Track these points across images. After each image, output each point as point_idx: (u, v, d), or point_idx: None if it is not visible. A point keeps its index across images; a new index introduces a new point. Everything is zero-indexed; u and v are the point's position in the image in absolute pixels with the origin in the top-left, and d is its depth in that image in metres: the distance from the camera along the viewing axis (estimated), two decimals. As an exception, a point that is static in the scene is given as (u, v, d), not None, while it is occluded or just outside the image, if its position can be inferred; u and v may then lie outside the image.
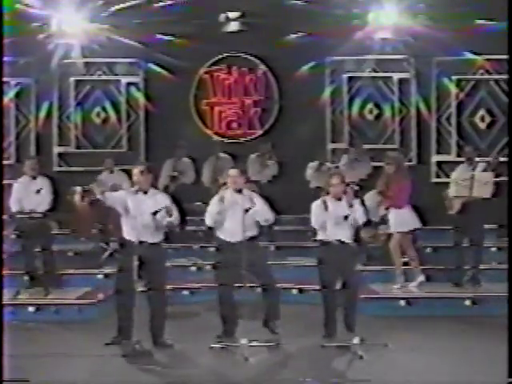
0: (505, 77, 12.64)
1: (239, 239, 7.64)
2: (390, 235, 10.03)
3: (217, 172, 12.20)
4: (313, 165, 12.09)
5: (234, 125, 13.58)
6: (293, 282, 10.14)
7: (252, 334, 7.47)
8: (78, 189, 10.85)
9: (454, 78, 13.02)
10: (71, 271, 10.56)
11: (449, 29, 11.81)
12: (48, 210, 9.89)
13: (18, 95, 13.39)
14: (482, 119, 13.07)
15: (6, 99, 12.94)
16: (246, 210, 7.65)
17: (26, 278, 9.99)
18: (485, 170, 9.99)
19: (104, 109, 13.53)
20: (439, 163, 13.11)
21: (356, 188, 7.99)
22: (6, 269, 9.75)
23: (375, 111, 13.34)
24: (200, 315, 9.34)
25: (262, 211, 7.82)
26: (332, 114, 13.40)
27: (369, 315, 8.29)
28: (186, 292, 10.22)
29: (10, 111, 13.26)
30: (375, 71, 13.31)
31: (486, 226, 10.27)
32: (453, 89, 13.05)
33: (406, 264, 10.23)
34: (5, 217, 10.08)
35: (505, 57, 11.79)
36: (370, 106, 13.33)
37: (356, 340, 7.39)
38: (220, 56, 13.45)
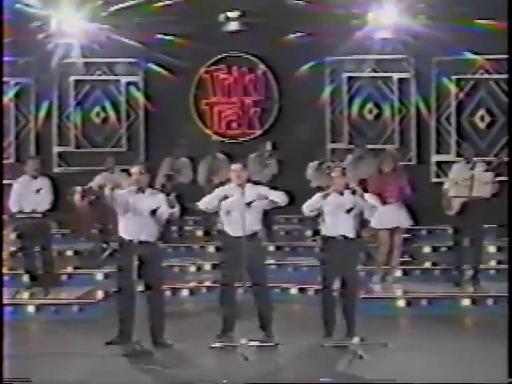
0: (505, 77, 12.63)
1: (243, 234, 7.62)
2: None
3: (212, 172, 12.21)
4: (313, 164, 12.09)
5: (234, 125, 13.59)
6: (293, 282, 10.15)
7: (252, 334, 7.48)
8: (78, 189, 10.89)
9: (453, 77, 13.01)
10: (71, 271, 10.57)
11: (449, 29, 11.81)
12: (48, 210, 9.89)
13: (17, 95, 13.39)
14: (482, 119, 13.07)
15: (5, 99, 12.94)
16: (248, 204, 7.65)
17: (26, 277, 9.99)
18: (487, 170, 9.95)
19: (104, 108, 13.53)
20: (439, 163, 13.10)
21: (357, 188, 7.95)
22: (6, 269, 9.81)
23: (375, 111, 13.34)
24: (200, 315, 9.34)
25: (275, 194, 7.78)
26: (332, 113, 13.40)
27: (369, 315, 8.28)
28: (185, 292, 10.21)
29: (10, 111, 13.26)
30: (375, 71, 13.31)
31: (486, 226, 10.26)
32: (452, 89, 13.05)
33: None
34: (5, 217, 10.09)
35: (505, 56, 11.80)
36: (369, 105, 13.33)
37: (356, 340, 7.39)
38: (220, 56, 13.45)
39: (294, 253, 11.33)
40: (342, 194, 7.78)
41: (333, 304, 7.74)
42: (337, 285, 7.80)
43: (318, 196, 7.82)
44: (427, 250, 11.18)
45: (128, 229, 7.53)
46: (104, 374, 6.80)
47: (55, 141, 13.47)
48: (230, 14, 12.97)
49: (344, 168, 8.09)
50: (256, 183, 8.22)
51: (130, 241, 7.49)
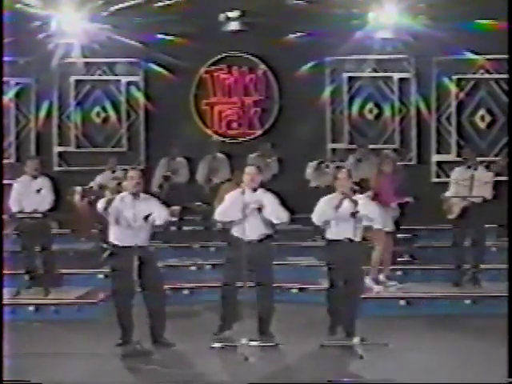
0: (505, 76, 12.65)
1: (253, 237, 7.61)
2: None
3: (211, 172, 12.21)
4: (312, 164, 12.10)
5: (234, 124, 13.59)
6: (293, 281, 10.15)
7: (252, 334, 7.48)
8: (78, 188, 10.90)
9: (454, 77, 13.02)
10: (71, 271, 10.56)
11: (449, 29, 11.80)
12: (48, 210, 9.89)
13: (17, 95, 13.40)
14: (482, 119, 13.07)
15: (5, 99, 12.96)
16: (259, 209, 7.62)
17: (26, 277, 9.99)
18: (489, 171, 9.93)
19: (104, 108, 13.54)
20: (439, 163, 13.11)
21: (356, 188, 7.93)
22: (6, 269, 9.80)
23: (375, 111, 13.35)
24: (200, 315, 9.34)
25: (272, 210, 7.69)
26: (332, 113, 13.40)
27: (369, 315, 8.28)
28: (186, 292, 10.21)
29: (10, 111, 13.27)
30: (375, 71, 13.31)
31: (486, 226, 10.26)
32: (453, 88, 13.05)
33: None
34: (5, 217, 10.09)
35: (505, 56, 11.82)
36: (370, 105, 13.33)
37: (356, 340, 7.39)
38: (220, 56, 13.46)
39: (294, 253, 11.31)
40: (347, 196, 7.68)
41: (339, 306, 7.70)
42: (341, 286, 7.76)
43: (329, 208, 7.67)
44: (427, 250, 11.16)
45: (122, 235, 7.44)
46: (104, 374, 6.80)
47: (55, 141, 13.48)
48: (230, 14, 12.97)
49: (349, 170, 8.04)
50: (268, 189, 8.10)
51: (127, 246, 7.43)
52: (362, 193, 8.22)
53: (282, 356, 7.44)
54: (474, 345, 7.70)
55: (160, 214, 7.52)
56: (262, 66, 13.45)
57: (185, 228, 12.08)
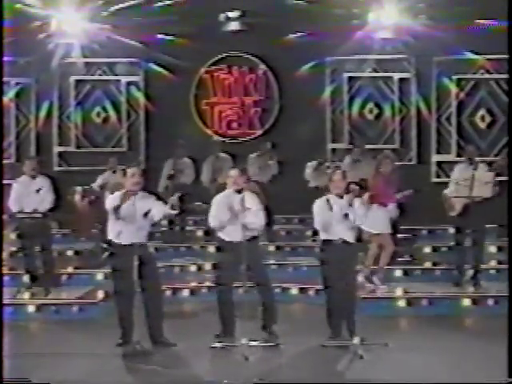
0: (505, 76, 12.64)
1: (239, 239, 7.62)
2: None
3: (216, 172, 12.21)
4: (312, 164, 12.10)
5: (234, 125, 13.59)
6: (293, 281, 10.15)
7: (252, 334, 7.48)
8: (79, 188, 10.91)
9: (454, 77, 13.01)
10: (71, 271, 10.57)
11: (449, 29, 11.80)
12: (48, 210, 9.89)
13: (18, 95, 13.42)
14: (483, 119, 13.07)
15: (5, 99, 12.96)
16: (245, 209, 7.63)
17: (26, 277, 9.99)
18: (489, 170, 9.91)
19: (104, 108, 13.55)
20: (439, 163, 13.10)
21: (356, 188, 7.93)
22: (6, 269, 9.81)
23: (375, 111, 13.34)
24: (200, 315, 9.34)
25: (252, 215, 7.67)
26: (332, 113, 13.40)
27: (369, 315, 8.28)
28: (186, 292, 10.21)
29: (11, 111, 13.29)
30: (375, 71, 13.31)
31: (487, 226, 10.26)
32: (453, 88, 13.05)
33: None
34: (5, 217, 10.09)
35: (505, 56, 11.81)
36: (370, 105, 13.33)
37: (356, 340, 7.38)
38: (220, 56, 13.46)
39: (294, 253, 11.32)
40: (341, 197, 7.74)
41: (337, 306, 7.70)
42: (337, 287, 7.76)
43: (322, 211, 7.69)
44: (427, 250, 11.17)
45: (122, 233, 7.43)
46: (104, 374, 6.80)
47: (56, 141, 13.49)
48: (230, 14, 12.98)
49: (344, 171, 8.05)
50: (254, 192, 8.12)
51: (127, 244, 7.44)
52: (361, 193, 8.19)
53: (282, 356, 7.44)
54: (473, 345, 7.69)
55: (158, 210, 7.49)
56: (262, 66, 13.45)
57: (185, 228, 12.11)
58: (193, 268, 10.93)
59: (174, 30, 12.83)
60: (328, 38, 12.32)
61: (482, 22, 12.22)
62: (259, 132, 13.50)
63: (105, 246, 9.85)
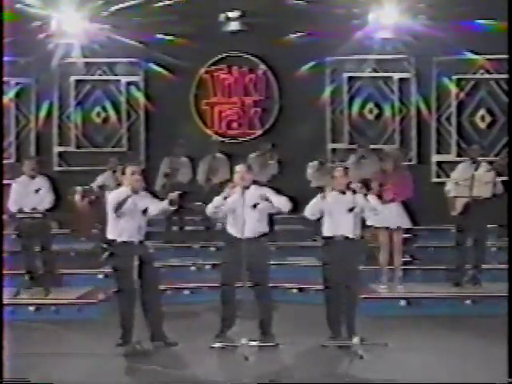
0: (505, 76, 12.65)
1: (248, 235, 7.60)
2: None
3: (211, 171, 12.21)
4: (313, 164, 12.11)
5: (234, 124, 13.60)
6: (293, 281, 10.15)
7: (252, 334, 7.48)
8: (79, 189, 10.90)
9: (454, 77, 13.03)
10: (71, 271, 10.56)
11: (449, 29, 11.81)
12: (48, 210, 9.89)
13: (18, 95, 13.42)
14: (483, 119, 13.08)
15: (5, 99, 12.95)
16: (254, 206, 7.63)
17: (26, 277, 9.98)
18: (490, 170, 9.90)
19: (104, 108, 13.55)
20: (439, 163, 13.11)
21: (359, 186, 7.91)
22: (6, 269, 9.80)
23: (375, 111, 13.36)
24: (200, 315, 9.34)
25: (275, 201, 7.66)
26: (332, 113, 13.41)
27: (369, 315, 8.28)
28: (186, 292, 10.21)
29: (11, 111, 13.29)
30: (375, 71, 13.32)
31: (489, 226, 10.26)
32: (453, 88, 13.06)
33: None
34: (5, 217, 10.09)
35: (505, 56, 11.81)
36: (370, 105, 13.34)
37: (356, 340, 7.38)
38: (220, 56, 13.46)
39: (294, 253, 11.31)
40: (343, 193, 7.73)
41: (338, 305, 7.69)
42: (339, 285, 7.74)
43: (317, 198, 7.78)
44: (427, 250, 11.16)
45: (123, 231, 7.45)
46: (104, 374, 6.80)
47: (56, 141, 13.49)
48: (230, 14, 12.98)
49: (346, 168, 8.05)
50: (262, 185, 8.11)
51: (128, 242, 7.45)
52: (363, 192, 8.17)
53: (282, 356, 7.44)
54: (474, 345, 7.70)
55: (156, 205, 7.51)
56: (262, 66, 13.46)
57: (185, 228, 12.11)
58: (193, 268, 10.93)
59: (174, 30, 12.83)
60: (328, 38, 12.32)
61: (481, 21, 12.23)
62: (259, 132, 13.51)
63: (105, 245, 9.88)
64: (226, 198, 7.67)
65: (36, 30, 12.50)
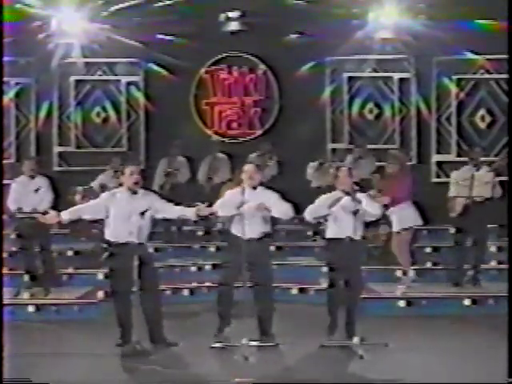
0: (505, 76, 12.65)
1: (252, 236, 7.60)
2: (390, 235, 10.02)
3: (211, 171, 12.22)
4: (313, 165, 12.10)
5: (234, 124, 13.59)
6: (293, 281, 10.15)
7: (252, 334, 7.48)
8: (79, 188, 10.90)
9: (454, 77, 13.02)
10: (71, 271, 10.56)
11: (449, 29, 11.81)
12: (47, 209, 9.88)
13: (17, 95, 13.40)
14: (483, 119, 13.07)
15: (5, 99, 12.95)
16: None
17: (26, 277, 9.98)
18: (490, 171, 9.91)
19: (104, 108, 13.54)
20: (439, 163, 13.11)
21: (356, 188, 7.90)
22: (6, 269, 9.80)
23: (375, 111, 13.35)
24: (200, 315, 9.34)
25: (277, 208, 7.66)
26: (332, 113, 13.41)
27: (369, 315, 8.28)
28: (186, 292, 10.21)
29: (10, 111, 13.27)
30: (375, 71, 13.32)
31: (488, 226, 10.26)
32: (453, 88, 13.05)
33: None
34: (5, 217, 10.09)
35: (505, 56, 11.81)
36: (370, 105, 13.33)
37: (356, 340, 7.38)
38: (220, 56, 13.45)
39: (294, 253, 11.31)
40: (348, 194, 7.70)
41: (339, 305, 7.69)
42: (341, 286, 7.74)
43: (323, 205, 7.68)
44: (427, 250, 11.16)
45: (119, 232, 7.43)
46: (104, 374, 6.79)
47: (56, 141, 13.48)
48: (230, 14, 12.97)
49: (350, 168, 8.02)
50: (268, 187, 8.09)
51: (124, 243, 7.43)
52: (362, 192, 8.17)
53: (282, 356, 7.44)
54: (473, 345, 7.69)
55: (163, 208, 7.54)
56: (262, 66, 13.45)
57: (185, 228, 12.09)
58: (193, 268, 10.93)
59: (174, 30, 12.81)
60: (328, 38, 12.31)
61: (481, 21, 12.23)
62: (259, 132, 13.50)
63: (105, 245, 9.88)
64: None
65: (36, 30, 12.50)
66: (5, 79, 12.12)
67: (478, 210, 9.65)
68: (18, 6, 11.91)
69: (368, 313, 8.28)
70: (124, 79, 13.50)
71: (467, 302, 9.29)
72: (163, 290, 8.83)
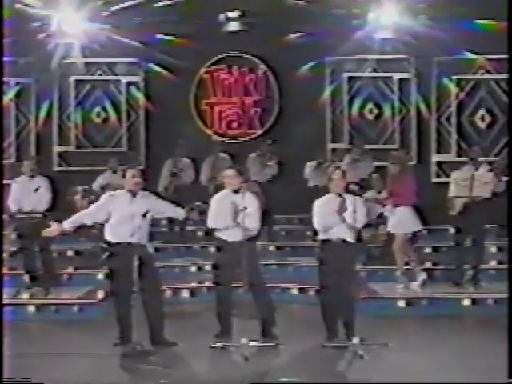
0: (505, 76, 12.66)
1: (237, 239, 7.62)
2: (390, 235, 10.03)
3: (214, 171, 12.22)
4: (311, 164, 12.10)
5: (234, 124, 13.59)
6: (293, 282, 10.15)
7: (252, 334, 7.48)
8: (79, 189, 10.90)
9: (454, 77, 13.03)
10: (71, 271, 10.56)
11: (449, 29, 11.81)
12: (47, 209, 9.88)
13: (18, 95, 13.40)
14: (482, 119, 13.08)
15: (6, 99, 12.96)
16: (242, 210, 7.62)
17: (26, 277, 9.98)
18: (490, 171, 9.91)
19: (104, 109, 13.54)
20: (439, 163, 13.11)
21: (356, 188, 7.91)
22: (6, 269, 9.81)
23: (375, 111, 13.35)
24: (200, 315, 9.34)
25: (250, 217, 7.64)
26: (332, 113, 13.41)
27: (369, 315, 8.28)
28: (186, 292, 10.21)
29: (10, 111, 13.27)
30: (375, 71, 13.32)
31: (488, 226, 10.26)
32: (453, 88, 13.06)
33: (406, 264, 10.25)
34: (5, 217, 10.09)
35: (505, 56, 11.82)
36: (370, 105, 13.34)
37: (356, 340, 7.38)
38: (220, 56, 13.45)
39: (294, 253, 11.31)
40: (340, 196, 7.71)
41: (333, 306, 7.70)
42: (335, 287, 7.73)
43: (330, 212, 7.59)
44: (427, 250, 11.16)
45: (121, 233, 7.44)
46: (104, 374, 6.80)
47: (56, 141, 13.48)
48: (230, 14, 12.96)
49: (344, 170, 8.02)
50: (254, 192, 8.09)
51: (125, 244, 7.44)
52: (361, 193, 8.18)
53: (281, 356, 7.44)
54: (473, 345, 7.69)
55: (163, 208, 7.63)
56: (262, 66, 13.46)
57: (185, 228, 12.09)
58: (193, 268, 10.93)
59: (174, 30, 12.82)
60: (328, 38, 12.32)
61: (481, 21, 12.23)
62: (259, 132, 13.50)
63: (105, 245, 9.87)
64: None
65: (36, 30, 12.49)
66: (5, 79, 12.13)
67: (478, 209, 9.65)
68: (17, 6, 11.89)
69: (368, 313, 8.29)
70: (124, 79, 13.51)
71: (467, 301, 9.30)
72: (163, 290, 8.82)
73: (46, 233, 7.77)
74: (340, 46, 12.47)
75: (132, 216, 7.42)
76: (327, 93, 13.33)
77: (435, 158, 13.17)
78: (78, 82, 13.46)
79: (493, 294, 9.30)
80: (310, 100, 13.02)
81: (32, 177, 9.92)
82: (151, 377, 6.77)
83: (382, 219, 10.34)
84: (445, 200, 9.98)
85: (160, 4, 12.71)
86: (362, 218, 7.66)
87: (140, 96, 13.48)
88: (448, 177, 10.83)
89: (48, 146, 13.43)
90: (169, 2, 12.69)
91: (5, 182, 10.27)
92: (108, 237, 7.56)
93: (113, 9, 12.64)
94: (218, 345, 7.47)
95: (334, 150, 13.27)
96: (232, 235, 7.66)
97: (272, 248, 11.34)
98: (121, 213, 7.44)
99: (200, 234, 12.05)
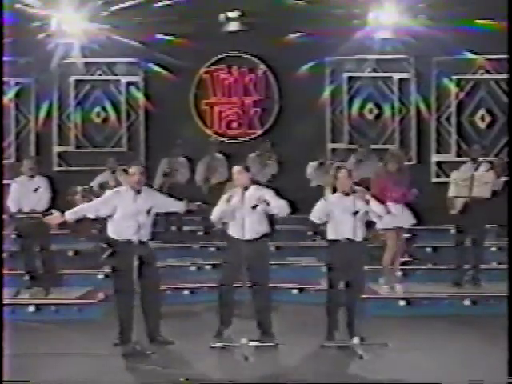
0: (505, 76, 12.65)
1: (248, 237, 7.61)
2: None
3: (209, 171, 12.22)
4: (313, 164, 12.09)
5: (234, 124, 13.59)
6: (293, 281, 10.15)
7: (252, 334, 7.48)
8: (79, 188, 10.90)
9: (453, 77, 13.03)
10: (71, 271, 10.56)
11: (449, 29, 11.81)
12: (47, 209, 9.87)
13: (17, 95, 13.41)
14: (482, 119, 13.08)
15: (5, 99, 12.96)
16: (253, 207, 7.62)
17: (26, 277, 9.98)
18: (489, 170, 9.90)
19: (104, 108, 13.54)
20: (439, 163, 13.11)
21: (361, 188, 7.88)
22: (6, 269, 9.80)
23: (375, 111, 13.35)
24: (200, 315, 9.34)
25: (273, 204, 7.63)
26: (332, 113, 13.41)
27: (369, 315, 8.28)
28: (186, 292, 10.21)
29: (10, 111, 13.27)
30: (375, 71, 13.32)
31: (488, 226, 10.26)
32: (453, 88, 13.06)
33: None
34: (5, 217, 10.09)
35: (505, 56, 11.81)
36: (369, 105, 13.34)
37: (356, 340, 7.38)
38: (220, 56, 13.46)
39: (294, 253, 11.31)
40: (347, 195, 7.70)
41: (338, 306, 7.70)
42: (341, 287, 7.73)
43: (321, 202, 7.74)
44: (427, 250, 11.16)
45: (124, 230, 7.46)
46: (104, 374, 6.80)
47: (55, 141, 13.48)
48: (230, 14, 12.96)
49: (350, 169, 8.02)
50: (262, 185, 8.09)
51: (129, 241, 7.46)
52: (365, 193, 8.15)
53: (281, 356, 7.44)
54: (473, 345, 7.70)
55: (165, 204, 7.70)
56: (262, 66, 13.46)
57: (184, 228, 12.10)
58: (193, 268, 10.93)
59: (174, 30, 12.82)
60: (328, 38, 12.32)
61: (481, 22, 12.23)
62: (259, 132, 13.50)
63: (105, 245, 9.85)
64: (229, 201, 7.68)
65: (36, 29, 12.50)
66: (5, 79, 12.12)
67: (478, 209, 9.64)
68: (17, 5, 11.89)
69: (368, 313, 8.29)
70: (124, 79, 13.51)
71: (467, 301, 9.29)
72: (164, 289, 8.82)
73: (47, 219, 7.74)
74: (340, 46, 12.49)
75: (137, 213, 7.45)
76: (327, 93, 13.33)
77: (435, 157, 13.17)
78: (77, 82, 13.46)
79: (493, 294, 9.29)
80: (310, 100, 13.02)
81: (32, 177, 9.91)
82: (151, 377, 6.77)
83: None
84: (445, 200, 9.98)
85: (160, 4, 12.72)
86: (381, 211, 7.76)
87: (140, 96, 13.48)
88: (448, 177, 10.82)
89: (48, 145, 13.43)
90: (169, 2, 12.70)
91: (5, 181, 10.25)
92: (111, 234, 7.56)
93: (113, 9, 12.65)
94: (218, 345, 7.47)
95: (333, 150, 13.27)
96: (242, 233, 7.60)
97: (272, 248, 11.31)
98: (125, 209, 7.46)
99: (200, 234, 12.08)
